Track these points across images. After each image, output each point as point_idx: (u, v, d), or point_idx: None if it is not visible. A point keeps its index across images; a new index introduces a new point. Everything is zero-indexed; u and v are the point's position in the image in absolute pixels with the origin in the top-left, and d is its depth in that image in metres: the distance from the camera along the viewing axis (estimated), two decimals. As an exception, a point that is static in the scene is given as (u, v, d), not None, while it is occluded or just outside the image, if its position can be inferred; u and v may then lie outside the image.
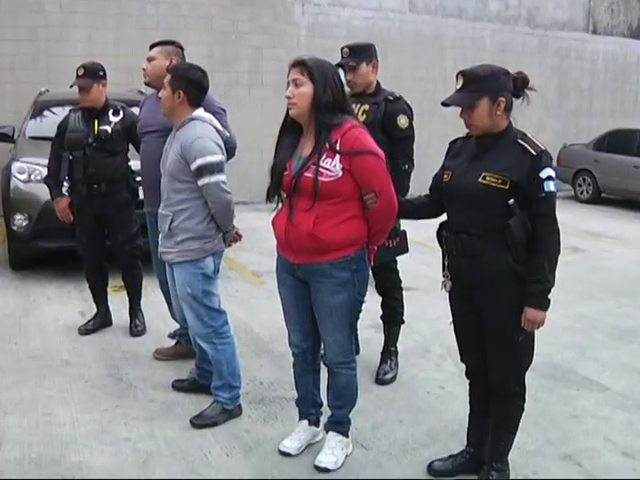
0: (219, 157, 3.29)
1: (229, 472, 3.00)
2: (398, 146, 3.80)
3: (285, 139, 2.92)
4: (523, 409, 2.90)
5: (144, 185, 4.07)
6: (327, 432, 3.15)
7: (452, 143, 2.95)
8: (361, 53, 3.91)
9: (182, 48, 4.11)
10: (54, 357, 4.28)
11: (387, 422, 3.56)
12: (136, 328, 4.75)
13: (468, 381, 3.02)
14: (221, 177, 3.28)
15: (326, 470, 3.01)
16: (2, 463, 3.01)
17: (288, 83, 2.83)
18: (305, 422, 3.23)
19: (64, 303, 5.42)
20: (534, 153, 2.60)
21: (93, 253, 4.72)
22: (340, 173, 2.73)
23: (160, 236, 3.51)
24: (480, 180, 2.63)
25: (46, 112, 7.10)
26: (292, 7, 11.31)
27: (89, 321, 4.81)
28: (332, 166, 2.73)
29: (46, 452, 3.11)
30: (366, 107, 3.84)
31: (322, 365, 3.17)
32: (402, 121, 3.81)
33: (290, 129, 2.90)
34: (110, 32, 10.01)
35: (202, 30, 10.63)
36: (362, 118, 3.71)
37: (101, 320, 4.83)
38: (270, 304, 5.59)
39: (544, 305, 2.64)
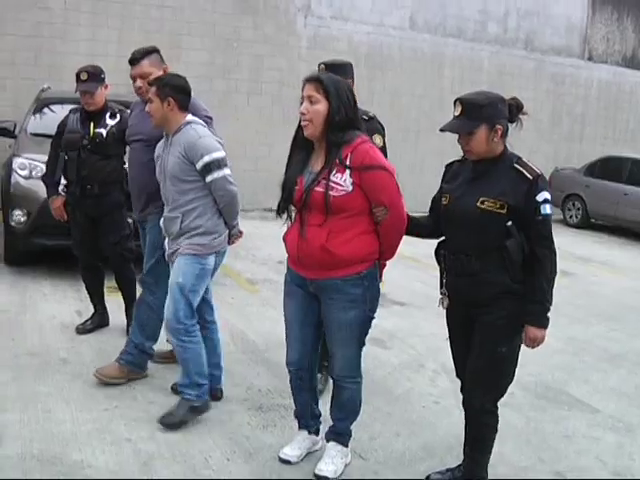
0: (223, 153, 3.44)
1: (230, 476, 3.04)
2: None
3: (296, 155, 2.94)
4: (496, 430, 2.95)
5: (131, 191, 4.11)
6: (327, 442, 3.18)
7: (449, 166, 3.02)
8: (336, 70, 3.80)
9: (159, 51, 4.07)
10: (52, 355, 4.28)
11: (384, 434, 3.60)
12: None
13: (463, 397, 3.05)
14: (227, 171, 3.43)
15: (326, 479, 3.05)
16: (3, 459, 3.01)
17: (302, 98, 2.85)
18: (305, 432, 3.26)
19: (60, 301, 5.41)
20: (530, 177, 2.68)
21: (87, 253, 4.73)
22: (350, 188, 2.77)
23: (167, 240, 3.56)
24: (478, 205, 2.71)
25: (48, 109, 7.11)
26: (295, 18, 11.41)
27: (87, 321, 4.82)
28: (342, 181, 2.77)
29: (47, 449, 3.12)
30: None
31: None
32: (377, 140, 3.76)
33: (301, 145, 2.92)
34: (113, 33, 10.04)
35: (204, 36, 10.69)
36: None
37: (98, 320, 4.84)
38: (265, 312, 5.64)
39: (545, 324, 2.75)
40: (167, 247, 3.56)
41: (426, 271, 5.10)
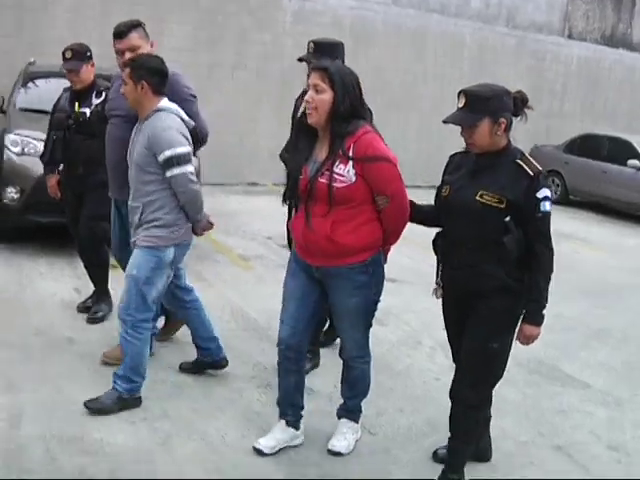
0: (186, 148, 3.32)
1: (246, 452, 3.14)
2: None
3: (302, 141, 2.97)
4: (478, 423, 2.98)
5: (108, 169, 3.96)
6: (339, 418, 3.29)
7: (452, 157, 3.02)
8: (326, 50, 3.79)
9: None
10: (57, 334, 4.32)
11: (388, 410, 3.73)
12: (94, 314, 4.60)
13: None
14: (189, 168, 3.32)
15: (339, 454, 3.16)
16: (25, 439, 3.08)
17: (308, 86, 2.88)
18: (283, 422, 3.20)
19: (57, 279, 5.43)
20: (532, 174, 2.69)
21: (77, 230, 4.70)
22: (353, 179, 2.80)
23: (132, 228, 3.51)
24: (477, 198, 2.72)
25: (36, 83, 7.05)
26: (279, -8, 11.31)
27: (87, 299, 4.85)
28: (345, 172, 2.80)
29: (66, 429, 3.19)
30: None
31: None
32: None
33: (306, 131, 2.94)
34: (96, 5, 9.88)
35: (188, 9, 10.56)
36: None
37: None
38: (261, 289, 5.71)
39: (540, 321, 2.79)
40: (132, 234, 3.51)
41: (412, 247, 5.21)
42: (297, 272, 3.08)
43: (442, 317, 3.09)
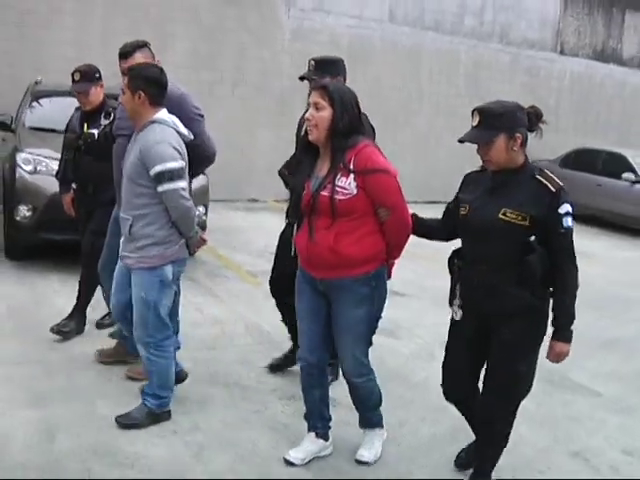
0: (179, 163, 3.25)
1: (278, 462, 3.20)
2: None
3: (304, 158, 3.06)
4: (508, 436, 3.01)
5: (115, 187, 3.90)
6: (363, 429, 3.36)
7: (466, 176, 3.03)
8: (327, 67, 3.82)
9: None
10: (76, 350, 4.38)
11: (410, 420, 3.82)
12: (60, 328, 4.51)
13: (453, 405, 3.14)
14: (180, 184, 3.25)
15: (366, 464, 3.23)
16: (60, 453, 3.14)
17: (308, 104, 2.99)
18: (312, 434, 3.29)
19: (71, 296, 5.43)
20: (553, 190, 2.69)
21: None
22: (355, 191, 2.86)
23: (122, 239, 3.47)
24: (500, 216, 2.70)
25: (44, 102, 7.14)
26: (278, 10, 11.47)
27: (104, 316, 4.90)
28: (347, 184, 2.86)
29: (99, 442, 3.25)
30: None
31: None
32: None
33: (308, 149, 3.04)
34: (98, 22, 10.00)
35: (189, 26, 10.70)
36: None
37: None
38: (272, 304, 5.77)
39: (570, 338, 2.80)
40: (121, 247, 3.46)
41: (415, 261, 5.34)
42: (303, 289, 3.14)
43: (445, 350, 3.06)
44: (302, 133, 3.57)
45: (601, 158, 11.99)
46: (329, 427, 3.34)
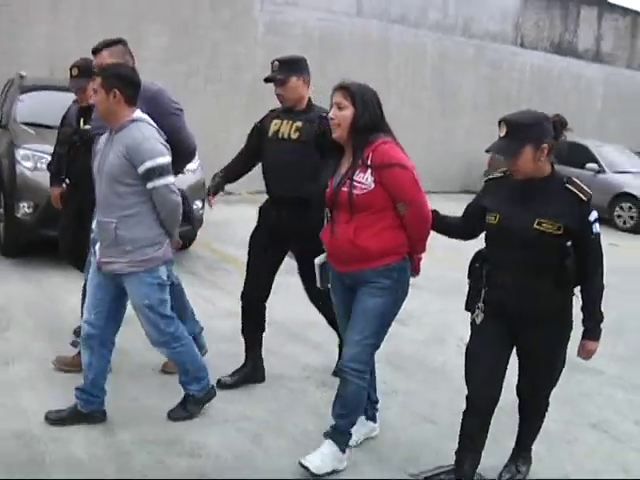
0: (167, 159, 3.24)
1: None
2: None
3: (331, 159, 3.18)
4: (545, 414, 3.25)
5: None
6: (325, 438, 3.15)
7: (487, 181, 3.09)
8: (291, 67, 3.81)
9: (126, 43, 3.94)
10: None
11: (440, 401, 4.03)
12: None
13: (465, 410, 3.02)
14: (170, 179, 3.24)
15: (306, 469, 3.04)
16: (124, 444, 3.22)
17: (331, 105, 3.09)
18: (362, 417, 3.37)
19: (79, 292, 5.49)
20: (584, 199, 2.77)
21: (71, 236, 4.60)
22: (372, 186, 2.95)
23: (98, 245, 3.36)
24: (535, 226, 2.75)
25: (32, 97, 7.05)
26: (251, 4, 11.52)
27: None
28: (365, 179, 2.95)
29: (158, 434, 3.34)
30: (299, 124, 3.78)
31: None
32: None
33: (335, 150, 3.14)
34: (72, 17, 9.88)
35: (163, 21, 10.66)
36: (295, 135, 3.76)
37: None
38: (279, 296, 5.90)
39: (599, 336, 2.92)
40: (97, 252, 3.35)
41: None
42: (335, 285, 3.25)
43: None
44: (255, 139, 3.85)
45: (564, 149, 12.40)
46: (376, 409, 3.52)
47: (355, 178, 2.97)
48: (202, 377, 3.53)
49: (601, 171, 11.58)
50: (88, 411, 3.37)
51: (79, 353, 3.86)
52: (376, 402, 3.52)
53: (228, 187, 13.14)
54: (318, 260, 3.46)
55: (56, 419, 3.36)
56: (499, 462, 3.27)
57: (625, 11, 17.05)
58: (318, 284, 3.34)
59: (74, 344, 4.24)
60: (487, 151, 2.92)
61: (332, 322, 3.91)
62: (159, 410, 3.56)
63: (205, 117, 10.92)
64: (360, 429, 3.41)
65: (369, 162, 2.96)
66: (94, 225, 3.42)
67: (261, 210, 4.04)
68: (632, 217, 11.40)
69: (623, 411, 4.18)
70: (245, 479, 3.05)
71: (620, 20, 16.82)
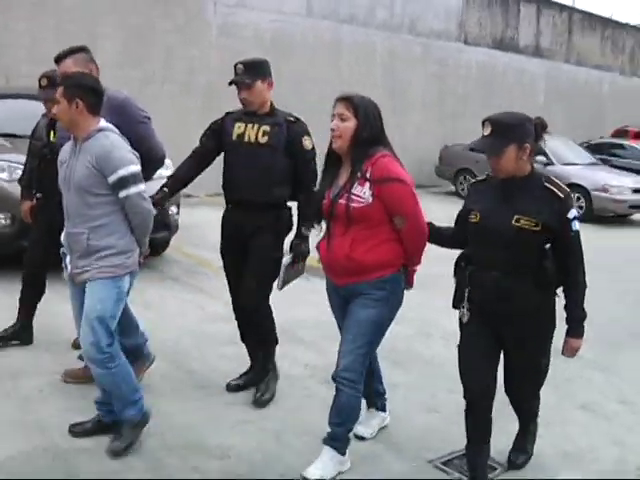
0: (138, 167, 3.23)
1: (355, 442, 3.45)
2: (307, 168, 3.78)
3: (329, 169, 3.22)
4: (539, 407, 3.45)
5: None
6: (324, 445, 3.21)
7: (472, 185, 3.20)
8: (256, 70, 3.76)
9: (89, 51, 3.91)
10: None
11: (439, 392, 4.25)
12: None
13: (465, 408, 3.12)
14: (142, 187, 3.23)
15: None
16: (156, 452, 3.30)
17: (333, 116, 3.07)
18: (373, 409, 3.61)
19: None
20: (562, 196, 2.86)
21: (42, 250, 4.53)
22: (370, 199, 2.97)
23: (69, 258, 3.33)
24: (514, 223, 2.84)
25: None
26: (205, 7, 11.53)
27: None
28: (362, 193, 2.98)
29: (182, 438, 3.44)
30: (266, 128, 3.74)
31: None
32: (307, 143, 3.76)
33: (333, 160, 3.15)
34: (24, 22, 9.68)
35: (118, 26, 10.57)
36: (264, 140, 3.73)
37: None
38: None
39: (582, 334, 3.03)
40: (68, 265, 3.33)
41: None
42: (331, 297, 3.31)
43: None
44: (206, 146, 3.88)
45: (541, 150, 12.89)
46: (385, 399, 3.70)
47: (353, 191, 3.00)
48: (138, 398, 3.34)
49: (549, 163, 12.05)
50: (111, 421, 3.42)
51: (87, 365, 3.86)
52: (383, 393, 3.70)
53: (186, 190, 13.05)
54: (285, 260, 3.65)
55: (80, 432, 3.41)
56: (505, 445, 3.50)
57: (561, 7, 17.77)
58: (279, 284, 3.48)
59: (81, 357, 4.16)
60: (472, 149, 3.07)
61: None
62: (177, 415, 3.66)
63: (162, 120, 10.83)
64: (372, 422, 3.61)
65: (368, 175, 2.99)
66: (62, 238, 3.39)
67: (223, 220, 3.97)
68: (581, 207, 11.90)
69: (605, 392, 4.50)
70: (285, 479, 3.16)
71: (557, 16, 17.53)
